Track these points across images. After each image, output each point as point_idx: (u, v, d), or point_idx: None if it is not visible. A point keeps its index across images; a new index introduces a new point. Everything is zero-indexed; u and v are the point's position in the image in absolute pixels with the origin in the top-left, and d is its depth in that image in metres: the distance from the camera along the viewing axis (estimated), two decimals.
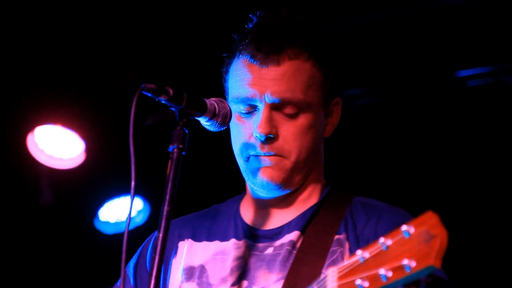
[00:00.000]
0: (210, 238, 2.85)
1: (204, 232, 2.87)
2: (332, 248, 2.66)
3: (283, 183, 2.74)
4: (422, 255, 1.77)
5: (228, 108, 2.56)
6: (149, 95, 2.37)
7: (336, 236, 2.68)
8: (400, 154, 5.04)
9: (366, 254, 1.89)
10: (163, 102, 2.40)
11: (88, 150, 5.15)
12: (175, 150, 2.35)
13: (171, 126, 2.42)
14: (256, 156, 2.73)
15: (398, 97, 4.92)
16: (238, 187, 3.00)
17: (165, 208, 2.29)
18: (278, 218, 2.80)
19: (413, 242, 1.80)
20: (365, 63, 4.79)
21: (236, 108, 2.76)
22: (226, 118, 2.55)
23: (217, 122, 2.53)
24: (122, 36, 4.90)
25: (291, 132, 2.72)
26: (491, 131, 4.80)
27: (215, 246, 2.81)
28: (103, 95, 5.14)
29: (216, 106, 2.52)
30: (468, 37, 4.54)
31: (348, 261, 1.93)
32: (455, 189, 4.88)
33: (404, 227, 1.82)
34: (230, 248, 2.77)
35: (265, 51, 2.72)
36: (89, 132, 5.14)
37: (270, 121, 2.70)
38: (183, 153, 2.36)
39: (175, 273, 2.82)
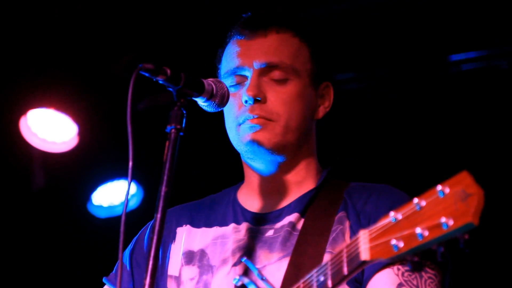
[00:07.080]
0: (208, 224, 2.87)
1: (202, 219, 2.90)
2: (333, 227, 2.68)
3: (274, 147, 2.76)
4: (460, 213, 1.76)
5: (225, 88, 2.56)
6: (147, 75, 2.36)
7: (336, 216, 2.70)
8: (394, 139, 5.04)
9: (399, 215, 1.88)
10: (160, 82, 2.38)
11: (81, 133, 5.13)
12: (173, 130, 2.34)
13: (166, 109, 2.41)
14: (246, 122, 2.75)
15: (392, 82, 4.91)
16: (235, 175, 3.01)
17: (163, 189, 2.28)
18: (277, 201, 2.83)
19: (449, 201, 1.79)
20: (358, 48, 4.78)
21: (227, 83, 2.77)
22: (223, 98, 2.55)
23: (214, 102, 2.53)
24: (115, 19, 4.86)
25: (279, 97, 2.77)
26: (485, 115, 4.80)
27: (215, 231, 2.84)
28: (96, 78, 5.11)
29: (214, 86, 2.51)
30: (462, 21, 4.54)
31: (379, 223, 1.92)
32: (448, 175, 4.87)
33: (439, 187, 1.82)
34: (230, 232, 2.80)
35: (253, 27, 2.84)
36: (82, 116, 5.11)
37: (258, 85, 2.76)
38: (181, 133, 2.35)
39: (175, 258, 2.84)
